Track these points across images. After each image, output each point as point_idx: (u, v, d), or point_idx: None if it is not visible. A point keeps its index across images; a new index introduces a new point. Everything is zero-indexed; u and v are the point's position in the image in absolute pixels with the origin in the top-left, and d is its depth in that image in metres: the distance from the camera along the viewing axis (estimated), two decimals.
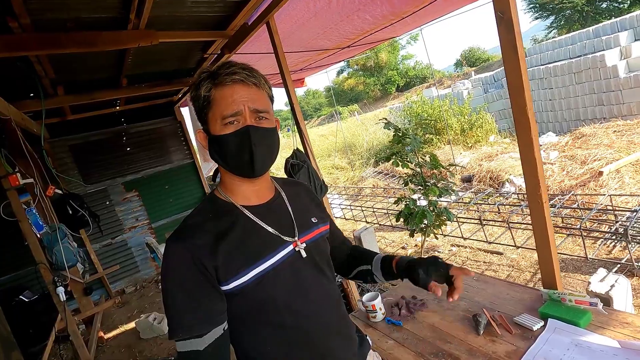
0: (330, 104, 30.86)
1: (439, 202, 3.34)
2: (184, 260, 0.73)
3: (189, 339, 0.71)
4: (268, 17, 2.41)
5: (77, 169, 4.84)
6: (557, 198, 4.12)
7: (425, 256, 0.90)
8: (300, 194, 0.95)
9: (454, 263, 3.79)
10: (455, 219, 3.37)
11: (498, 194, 5.02)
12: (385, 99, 25.79)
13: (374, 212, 5.46)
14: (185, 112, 5.49)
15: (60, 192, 3.92)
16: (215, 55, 3.36)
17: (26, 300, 4.11)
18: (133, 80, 3.85)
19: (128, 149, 5.20)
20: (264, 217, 0.82)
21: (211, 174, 4.43)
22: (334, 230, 1.03)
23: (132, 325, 3.96)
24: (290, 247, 0.82)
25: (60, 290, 2.51)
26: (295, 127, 2.53)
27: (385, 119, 2.85)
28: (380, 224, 5.26)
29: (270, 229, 0.81)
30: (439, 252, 4.08)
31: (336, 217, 6.16)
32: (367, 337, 1.01)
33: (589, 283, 2.04)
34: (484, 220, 3.73)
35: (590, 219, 3.56)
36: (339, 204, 6.43)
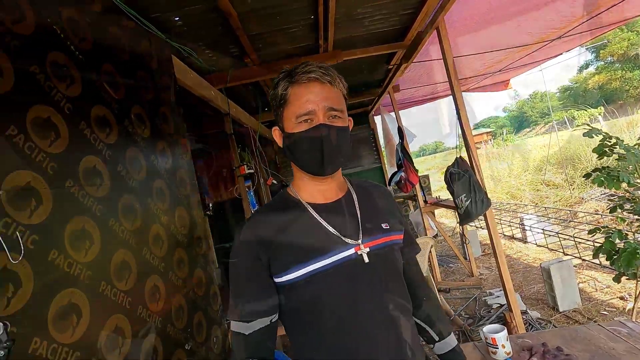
0: (564, 107, 25.08)
1: None
2: (243, 250, 0.78)
3: (237, 322, 0.76)
4: (437, 23, 2.38)
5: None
6: None
7: None
8: (375, 197, 0.89)
9: None
10: None
11: None
12: None
13: (576, 243, 4.24)
14: (378, 121, 5.92)
15: (276, 182, 5.14)
16: (395, 66, 3.54)
17: None
18: None
19: None
20: (327, 216, 0.79)
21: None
22: (406, 247, 0.90)
23: None
24: (352, 250, 0.77)
25: None
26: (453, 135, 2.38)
27: (588, 124, 2.20)
28: (584, 259, 4.04)
29: (331, 229, 0.78)
30: None
31: (529, 242, 5.10)
32: None
33: None
34: None
35: None
36: (534, 225, 5.28)
